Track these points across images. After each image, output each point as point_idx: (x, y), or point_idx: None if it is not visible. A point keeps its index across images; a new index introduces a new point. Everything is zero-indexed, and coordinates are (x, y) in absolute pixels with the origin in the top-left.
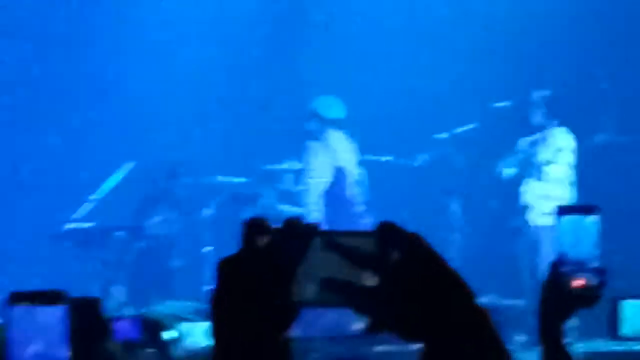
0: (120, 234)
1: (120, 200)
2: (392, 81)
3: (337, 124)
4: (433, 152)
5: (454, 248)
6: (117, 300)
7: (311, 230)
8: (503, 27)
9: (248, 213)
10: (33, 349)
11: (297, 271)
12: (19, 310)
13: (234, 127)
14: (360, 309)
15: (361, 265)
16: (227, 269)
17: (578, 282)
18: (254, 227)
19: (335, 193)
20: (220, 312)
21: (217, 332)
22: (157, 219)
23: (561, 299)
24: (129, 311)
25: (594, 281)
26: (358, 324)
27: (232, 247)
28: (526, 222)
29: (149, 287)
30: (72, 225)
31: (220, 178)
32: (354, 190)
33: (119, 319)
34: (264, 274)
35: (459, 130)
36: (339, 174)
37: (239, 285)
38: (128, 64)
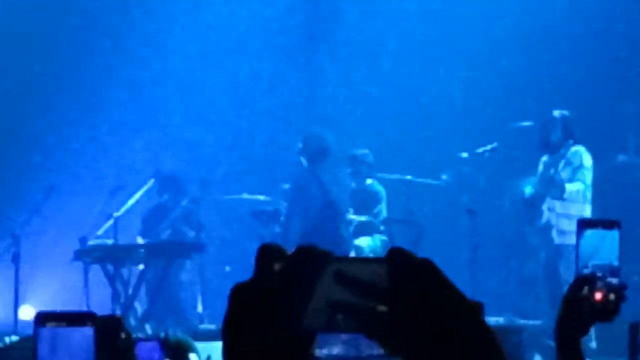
0: (140, 251)
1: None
2: (414, 101)
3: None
4: (454, 170)
5: (473, 266)
6: (137, 319)
7: (325, 257)
8: (526, 47)
9: (270, 230)
10: None
11: (311, 298)
12: (47, 330)
13: (258, 145)
14: (373, 335)
15: (372, 293)
16: (241, 294)
17: (598, 296)
18: (269, 253)
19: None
20: (233, 338)
21: (230, 358)
22: (164, 230)
23: (581, 312)
24: (148, 330)
25: (614, 295)
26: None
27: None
28: (546, 240)
29: (169, 307)
30: (95, 242)
31: (246, 195)
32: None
33: (140, 340)
34: (278, 300)
35: (480, 149)
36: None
37: (253, 312)
38: (150, 81)
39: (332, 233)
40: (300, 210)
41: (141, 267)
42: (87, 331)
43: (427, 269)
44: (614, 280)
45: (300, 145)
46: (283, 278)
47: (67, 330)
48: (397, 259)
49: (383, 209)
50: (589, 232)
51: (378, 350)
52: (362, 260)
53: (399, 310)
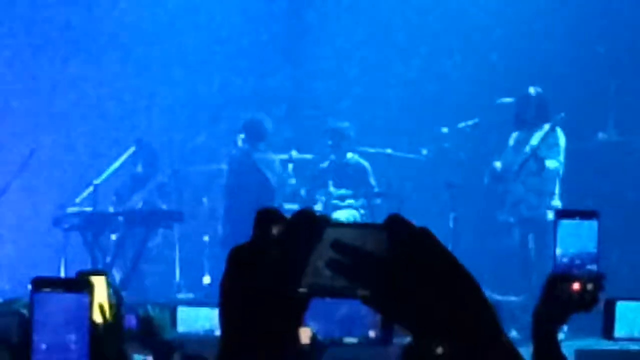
0: (119, 218)
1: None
2: (395, 74)
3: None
4: (435, 145)
5: (451, 240)
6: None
7: (323, 221)
8: (508, 23)
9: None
10: (55, 334)
11: (308, 262)
12: (43, 296)
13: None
14: (369, 300)
15: (370, 261)
16: (239, 257)
17: (575, 286)
18: (267, 217)
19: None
20: (230, 300)
21: (227, 320)
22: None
23: (559, 302)
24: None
25: (592, 285)
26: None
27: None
28: (519, 216)
29: (145, 273)
30: (73, 209)
31: (223, 166)
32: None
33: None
34: (275, 263)
35: (462, 124)
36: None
37: (251, 274)
38: (141, 53)
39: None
40: (239, 191)
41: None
42: (83, 297)
43: (426, 236)
44: (593, 267)
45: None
46: (281, 241)
47: (63, 296)
48: (396, 227)
49: (373, 182)
50: (566, 222)
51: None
52: (360, 226)
53: (398, 277)
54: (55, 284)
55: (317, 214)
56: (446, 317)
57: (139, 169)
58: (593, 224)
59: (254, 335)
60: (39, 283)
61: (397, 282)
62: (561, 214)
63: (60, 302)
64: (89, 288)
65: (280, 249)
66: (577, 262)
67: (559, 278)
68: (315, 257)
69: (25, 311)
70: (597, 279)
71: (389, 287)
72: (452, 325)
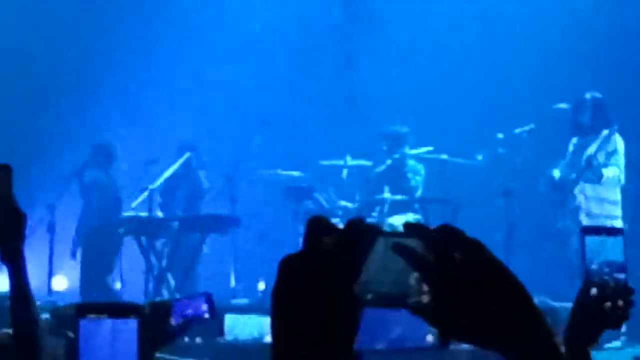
0: (174, 224)
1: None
2: (451, 80)
3: None
4: (490, 151)
5: (507, 247)
6: (170, 292)
7: (374, 230)
8: (564, 29)
9: (303, 207)
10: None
11: (361, 271)
12: (88, 322)
13: (293, 121)
14: (421, 312)
15: (423, 268)
16: (291, 267)
17: (606, 304)
18: (319, 226)
19: None
20: (281, 309)
21: (279, 329)
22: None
23: (590, 320)
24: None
25: (622, 302)
26: (430, 338)
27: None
28: (578, 223)
29: (201, 279)
30: (129, 214)
31: (279, 171)
32: None
33: (181, 299)
34: (328, 273)
35: (518, 130)
36: None
37: (303, 284)
38: (191, 58)
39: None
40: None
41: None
42: (131, 323)
43: (478, 247)
44: (621, 276)
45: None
46: (334, 251)
47: (110, 322)
48: (447, 236)
49: (420, 186)
50: (592, 239)
51: (410, 343)
52: (412, 235)
53: (449, 286)
54: (100, 310)
55: (369, 222)
56: (497, 327)
57: (184, 171)
58: (619, 239)
59: (306, 345)
60: (84, 309)
61: (450, 292)
62: (587, 230)
63: (106, 328)
64: (136, 313)
65: (332, 259)
66: (606, 269)
67: (591, 285)
68: (367, 266)
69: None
70: (627, 293)
71: (443, 297)
72: (505, 334)
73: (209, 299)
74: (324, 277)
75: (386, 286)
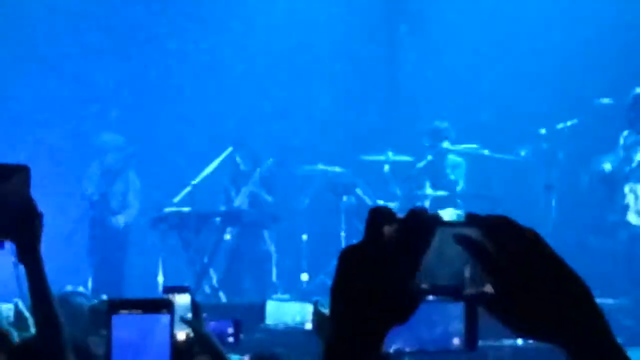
0: (217, 219)
1: (218, 186)
2: (492, 75)
3: None
4: (532, 146)
5: (550, 242)
6: (211, 287)
7: (435, 220)
8: (607, 24)
9: (345, 202)
10: (135, 355)
11: (421, 262)
12: (120, 317)
13: (335, 117)
14: (481, 301)
15: (484, 258)
16: (351, 257)
17: None
18: (380, 216)
19: None
20: (341, 299)
21: (338, 320)
22: (242, 201)
23: None
24: (222, 298)
25: None
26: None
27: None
28: (625, 221)
29: (243, 274)
30: (171, 209)
31: (320, 166)
32: None
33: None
34: (388, 263)
35: (560, 125)
36: None
37: (364, 274)
38: (234, 53)
39: None
40: None
41: (228, 237)
42: (163, 317)
43: (536, 240)
44: None
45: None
46: (395, 241)
47: (142, 317)
48: (506, 229)
49: (461, 181)
50: None
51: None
52: (472, 226)
53: (507, 277)
54: (132, 305)
55: (430, 212)
56: (558, 319)
57: (242, 166)
58: None
59: (364, 334)
60: (116, 305)
61: (510, 282)
62: None
63: (139, 324)
64: (167, 308)
65: (392, 249)
66: None
67: None
68: (435, 259)
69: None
70: None
71: (503, 287)
72: (563, 327)
73: (236, 324)
74: (384, 267)
75: (442, 277)
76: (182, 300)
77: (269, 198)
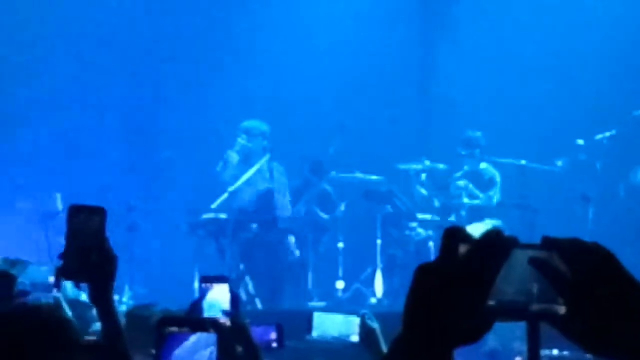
0: (253, 225)
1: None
2: (531, 85)
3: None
4: (570, 157)
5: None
6: (247, 293)
7: (510, 242)
8: None
9: (381, 210)
10: None
11: (495, 282)
12: (170, 336)
13: (371, 125)
14: (555, 322)
15: (557, 282)
16: (426, 275)
17: None
18: (455, 236)
19: None
20: (415, 316)
21: (412, 336)
22: (301, 210)
23: None
24: (258, 304)
25: None
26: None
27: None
28: None
29: (279, 281)
30: (209, 215)
31: (357, 174)
32: None
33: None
34: (462, 283)
35: (598, 136)
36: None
37: (437, 293)
38: (272, 64)
39: None
40: None
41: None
42: (210, 338)
43: (611, 261)
44: None
45: None
46: (470, 262)
47: (190, 336)
48: (582, 251)
49: (497, 193)
50: None
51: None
52: (548, 248)
53: (586, 300)
54: (182, 323)
55: (506, 235)
56: (632, 342)
57: (305, 177)
58: None
59: (436, 353)
60: (166, 322)
61: (585, 305)
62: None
63: (187, 342)
64: (215, 327)
65: (467, 269)
66: None
67: None
68: (502, 278)
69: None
70: None
71: (579, 310)
72: (635, 346)
73: (279, 329)
74: (459, 287)
75: (508, 294)
76: (220, 290)
77: (325, 216)
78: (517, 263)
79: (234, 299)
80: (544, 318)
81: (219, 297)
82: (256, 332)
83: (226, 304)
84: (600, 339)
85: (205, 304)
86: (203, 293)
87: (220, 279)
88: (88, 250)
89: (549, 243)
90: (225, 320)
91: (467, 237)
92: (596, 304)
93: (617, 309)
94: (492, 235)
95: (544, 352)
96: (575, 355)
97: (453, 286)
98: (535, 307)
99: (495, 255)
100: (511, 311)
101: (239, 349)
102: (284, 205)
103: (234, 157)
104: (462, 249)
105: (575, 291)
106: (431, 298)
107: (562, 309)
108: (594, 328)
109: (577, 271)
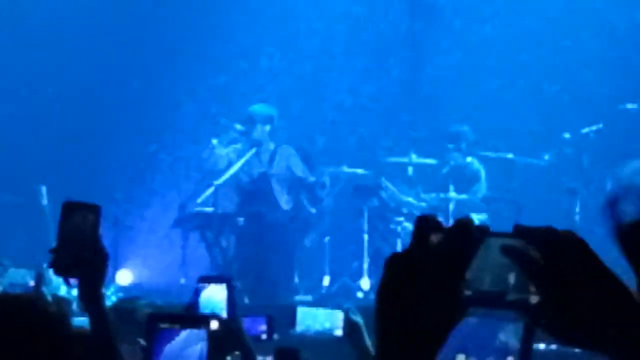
0: (239, 219)
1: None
2: (517, 79)
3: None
4: (556, 150)
5: None
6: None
7: (482, 231)
8: (636, 28)
9: (368, 204)
10: None
11: (468, 271)
12: (161, 331)
13: (358, 119)
14: (527, 311)
15: (529, 269)
16: (397, 264)
17: None
18: (427, 224)
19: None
20: (387, 307)
21: (384, 326)
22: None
23: None
24: (245, 300)
25: None
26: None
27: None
28: None
29: (265, 275)
30: (196, 209)
31: (345, 168)
32: None
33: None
34: (434, 272)
35: (585, 130)
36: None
37: (409, 282)
38: (254, 51)
39: None
40: None
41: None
42: (202, 334)
43: (585, 250)
44: None
45: None
46: (441, 250)
47: (181, 332)
48: (552, 238)
49: (482, 188)
50: None
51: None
52: (520, 236)
53: (559, 287)
54: (173, 319)
55: (478, 223)
56: (603, 328)
57: (298, 172)
58: None
59: (411, 342)
60: (157, 318)
61: (558, 294)
62: None
63: (178, 337)
64: (206, 324)
65: (438, 258)
66: None
67: None
68: (479, 267)
69: (144, 311)
70: None
71: (551, 298)
72: (609, 336)
73: (269, 321)
74: (430, 276)
75: (485, 284)
76: (217, 289)
77: (312, 210)
78: (494, 252)
79: (231, 299)
80: (518, 308)
81: (215, 297)
82: (245, 322)
83: (223, 304)
84: (572, 328)
85: (202, 303)
86: (198, 293)
87: (219, 279)
88: (81, 247)
89: (521, 231)
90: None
91: (439, 226)
92: (567, 292)
93: (589, 297)
94: (463, 224)
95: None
96: (563, 349)
97: (425, 273)
98: (511, 296)
99: (468, 243)
100: (487, 300)
101: (236, 353)
102: (283, 192)
103: (218, 148)
104: (435, 238)
105: (547, 279)
106: (404, 286)
107: (536, 299)
108: (565, 317)
109: (549, 259)
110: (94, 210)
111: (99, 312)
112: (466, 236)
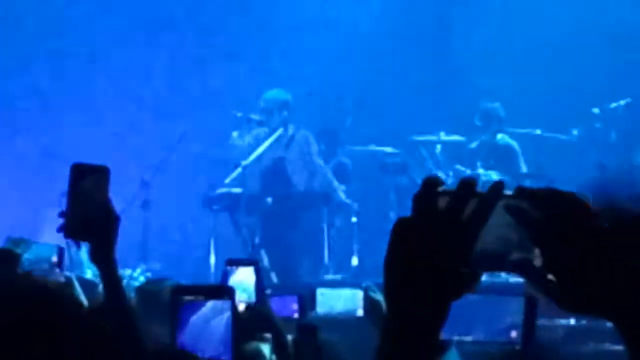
0: (267, 200)
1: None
2: (546, 54)
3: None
4: (585, 126)
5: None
6: (263, 268)
7: (493, 194)
8: None
9: (396, 183)
10: (198, 340)
11: (478, 237)
12: (185, 304)
13: (386, 97)
14: (526, 272)
15: (531, 229)
16: (404, 230)
17: None
18: (433, 188)
19: None
20: (397, 273)
21: (393, 293)
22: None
23: None
24: (274, 279)
25: None
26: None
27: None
28: None
29: (295, 255)
30: (223, 190)
31: (372, 147)
32: None
33: (276, 295)
34: (443, 235)
35: (613, 105)
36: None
37: (417, 247)
38: (278, 34)
39: None
40: None
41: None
42: (225, 304)
43: (584, 209)
44: None
45: None
46: (449, 215)
47: (205, 304)
48: (553, 198)
49: (522, 164)
50: None
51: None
52: (526, 197)
53: (557, 249)
54: (196, 291)
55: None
56: (605, 292)
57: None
58: None
59: (418, 308)
60: (180, 290)
61: (558, 254)
62: None
63: (203, 309)
64: (229, 294)
65: (446, 221)
66: None
67: None
68: (488, 231)
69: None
70: None
71: (551, 258)
72: (611, 300)
73: (300, 299)
74: (439, 240)
75: (488, 244)
76: (246, 273)
77: (342, 187)
78: (497, 212)
79: (259, 282)
80: (520, 269)
81: (244, 280)
82: (277, 302)
83: (251, 287)
84: (572, 292)
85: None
86: (226, 275)
87: (247, 262)
88: (91, 210)
89: (524, 192)
90: (243, 308)
91: (445, 189)
92: (569, 254)
93: (589, 260)
94: (468, 184)
95: (562, 321)
96: (594, 324)
97: (433, 238)
98: (514, 256)
99: (480, 208)
100: (491, 260)
101: (266, 335)
102: (300, 176)
103: (238, 140)
104: (442, 202)
105: (549, 240)
106: (411, 251)
107: (538, 260)
108: (565, 280)
109: (551, 219)
110: (104, 172)
111: (110, 276)
112: (471, 197)
